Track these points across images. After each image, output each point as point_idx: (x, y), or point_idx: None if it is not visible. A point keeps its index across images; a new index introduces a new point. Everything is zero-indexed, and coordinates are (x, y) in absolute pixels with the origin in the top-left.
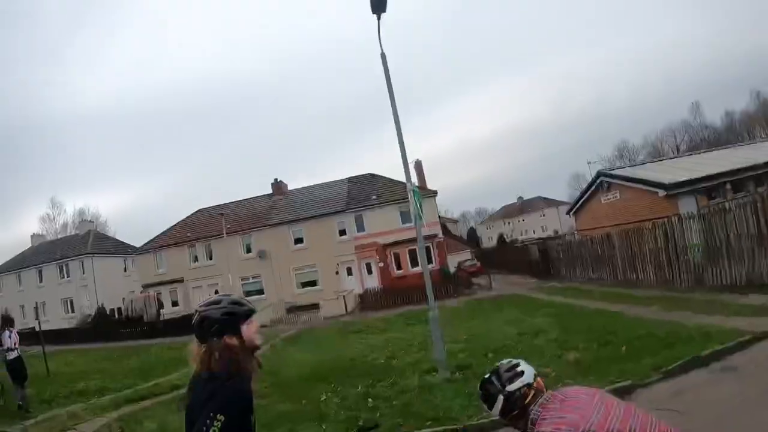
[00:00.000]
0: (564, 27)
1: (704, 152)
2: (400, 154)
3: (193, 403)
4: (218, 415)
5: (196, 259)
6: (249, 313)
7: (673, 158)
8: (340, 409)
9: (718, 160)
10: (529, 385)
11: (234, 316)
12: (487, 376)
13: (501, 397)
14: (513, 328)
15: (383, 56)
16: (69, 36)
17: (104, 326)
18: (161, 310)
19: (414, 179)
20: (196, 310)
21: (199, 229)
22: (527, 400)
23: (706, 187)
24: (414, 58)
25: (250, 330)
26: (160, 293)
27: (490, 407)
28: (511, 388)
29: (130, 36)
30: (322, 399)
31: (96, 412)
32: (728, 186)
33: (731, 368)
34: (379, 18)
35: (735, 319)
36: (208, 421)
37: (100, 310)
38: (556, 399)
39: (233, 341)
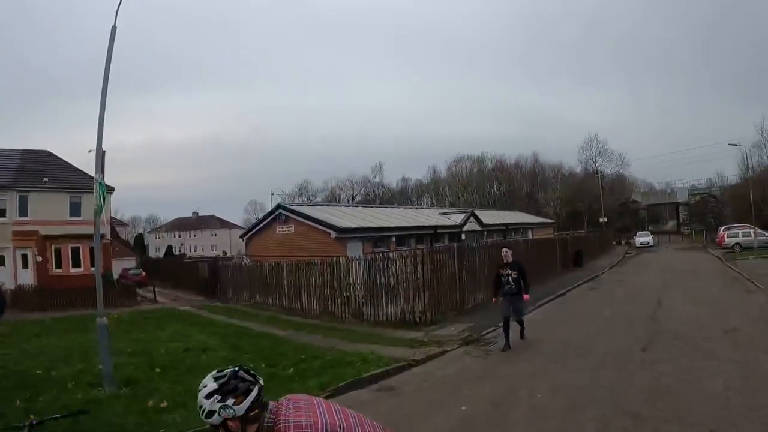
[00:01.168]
0: (283, 63)
1: (377, 207)
2: (96, 139)
3: None
4: None
5: None
6: None
7: (348, 206)
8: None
9: (388, 216)
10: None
11: None
12: (210, 389)
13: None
14: (180, 343)
15: (113, 30)
16: None
17: None
18: None
19: (92, 169)
20: None
21: None
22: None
23: (374, 236)
24: (127, 38)
25: None
26: None
27: (208, 417)
28: (244, 404)
29: None
30: None
31: None
32: (393, 239)
33: (389, 388)
34: None
35: (390, 348)
36: None
37: None
38: (284, 405)
39: None
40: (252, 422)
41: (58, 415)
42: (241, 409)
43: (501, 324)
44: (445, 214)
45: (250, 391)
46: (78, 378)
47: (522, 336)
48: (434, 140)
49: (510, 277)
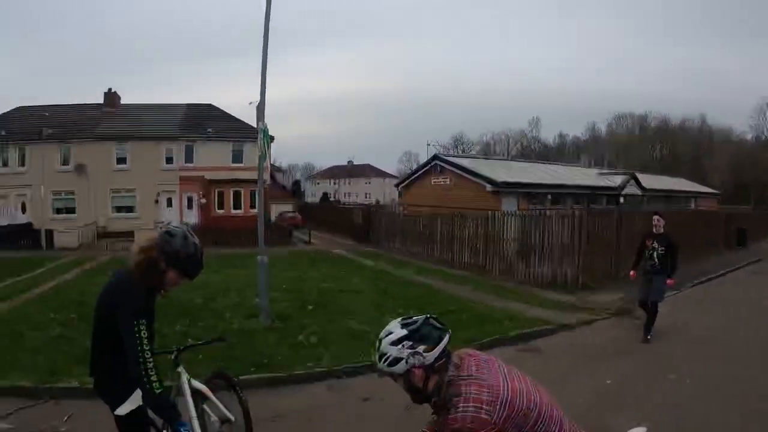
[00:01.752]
0: (438, 14)
1: (534, 162)
2: (260, 89)
3: (103, 294)
4: (140, 320)
5: (5, 163)
6: (187, 275)
7: (505, 160)
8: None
9: (545, 173)
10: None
11: (179, 261)
12: (399, 335)
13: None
14: (332, 284)
15: None
16: None
17: None
18: None
19: (253, 120)
20: (178, 226)
21: (15, 129)
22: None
23: (529, 192)
24: None
25: (172, 278)
26: None
27: (391, 365)
28: (435, 353)
29: None
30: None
31: None
32: (549, 196)
33: (534, 349)
34: None
35: (538, 309)
36: (135, 330)
37: None
38: (466, 360)
39: (162, 265)
40: (436, 373)
41: (200, 342)
42: (431, 357)
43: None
44: (603, 174)
45: (441, 339)
46: (235, 310)
47: (648, 332)
48: (594, 96)
49: (656, 252)
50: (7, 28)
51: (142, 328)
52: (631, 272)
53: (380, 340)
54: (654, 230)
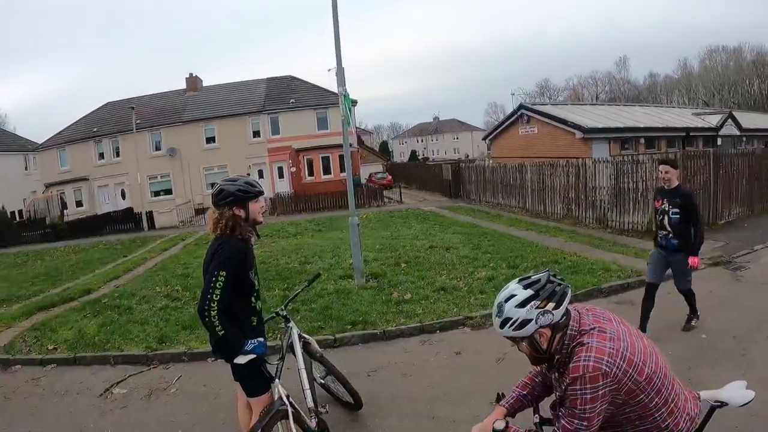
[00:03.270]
0: None
1: (623, 105)
2: (335, 56)
3: (206, 259)
4: (220, 271)
5: (102, 156)
6: (258, 194)
7: (593, 104)
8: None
9: (636, 116)
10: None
11: (245, 193)
12: (525, 296)
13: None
14: (424, 241)
15: None
16: None
17: (4, 230)
18: (65, 211)
19: (334, 86)
20: (217, 183)
21: (107, 124)
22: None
23: (620, 137)
24: None
25: (255, 207)
26: (64, 193)
27: (519, 328)
28: (562, 309)
29: None
30: None
31: (6, 323)
32: (641, 140)
33: (629, 301)
34: None
35: (633, 259)
36: (213, 277)
37: (0, 213)
38: (583, 314)
39: (240, 212)
40: (561, 329)
41: (299, 289)
42: (559, 314)
43: (741, 253)
44: (698, 114)
45: (565, 294)
46: (330, 271)
47: (689, 322)
48: (684, 30)
49: (666, 217)
50: (86, 29)
51: (220, 279)
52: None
53: (501, 304)
54: (664, 185)
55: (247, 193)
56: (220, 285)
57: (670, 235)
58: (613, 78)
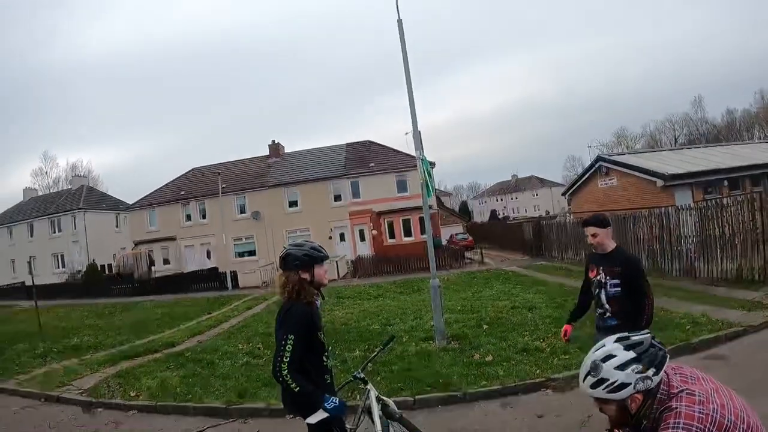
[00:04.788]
0: (579, 9)
1: (703, 147)
2: (411, 121)
3: (277, 320)
4: (288, 335)
5: (189, 217)
6: (323, 259)
7: (672, 150)
8: (340, 372)
9: (717, 156)
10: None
11: (311, 258)
12: (626, 358)
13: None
14: (506, 301)
15: (400, 23)
16: None
17: (95, 282)
18: (152, 268)
19: (411, 149)
20: (284, 248)
21: (194, 188)
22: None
23: (703, 181)
24: (422, 25)
25: (320, 271)
26: (152, 251)
27: (615, 390)
28: (660, 374)
29: None
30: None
31: (92, 368)
32: (725, 182)
33: (720, 357)
34: None
35: (724, 310)
36: (282, 341)
37: (91, 266)
38: (670, 374)
39: (306, 276)
40: (654, 395)
41: (375, 352)
42: (657, 380)
43: None
44: None
45: (665, 359)
46: (411, 333)
47: None
48: (760, 59)
49: (603, 291)
50: (174, 98)
51: (289, 342)
52: (564, 329)
53: (597, 363)
54: (594, 249)
55: (313, 257)
56: (289, 348)
57: (608, 313)
58: (690, 119)
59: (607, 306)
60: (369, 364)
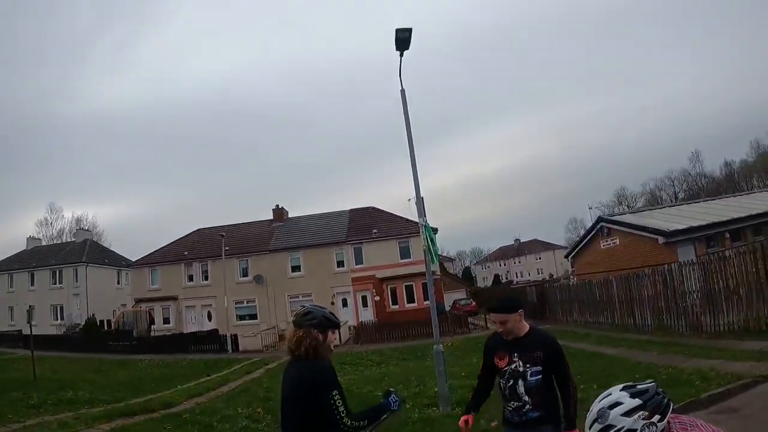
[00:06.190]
0: (571, 74)
1: (703, 201)
2: (414, 188)
3: (287, 381)
4: (332, 392)
5: (191, 278)
6: (337, 326)
7: (672, 206)
8: None
9: (717, 210)
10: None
11: (329, 321)
12: (632, 405)
13: None
14: None
15: (403, 93)
16: (97, 35)
17: (93, 337)
18: (152, 326)
19: (414, 215)
20: (303, 306)
21: (197, 249)
22: None
23: (705, 235)
24: (419, 93)
25: (332, 337)
26: (152, 309)
27: None
28: (665, 422)
29: (150, 46)
30: None
31: (87, 423)
32: (726, 235)
33: (731, 409)
34: (401, 55)
35: (733, 363)
36: (331, 401)
37: (90, 320)
38: (670, 423)
39: (319, 336)
40: None
41: (376, 422)
42: (662, 427)
43: None
44: None
45: (669, 407)
46: (415, 399)
47: None
48: (752, 109)
49: (522, 382)
50: (178, 158)
51: (337, 398)
52: (462, 418)
53: (604, 411)
54: (504, 336)
55: (331, 321)
56: (340, 403)
57: (527, 406)
58: (688, 174)
59: (526, 398)
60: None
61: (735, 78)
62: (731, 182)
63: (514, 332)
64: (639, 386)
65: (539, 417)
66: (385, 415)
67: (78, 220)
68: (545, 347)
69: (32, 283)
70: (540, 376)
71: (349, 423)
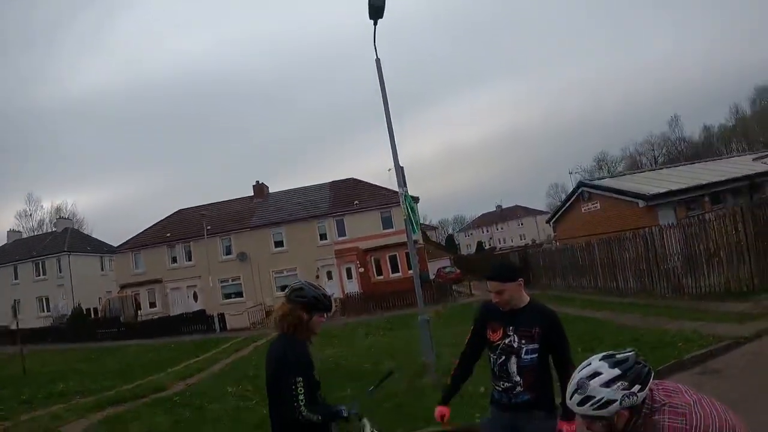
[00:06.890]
0: (555, 38)
1: (682, 165)
2: (392, 159)
3: (270, 358)
4: (296, 378)
5: (174, 260)
6: (327, 310)
7: (652, 170)
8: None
9: (696, 174)
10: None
11: (318, 303)
12: (612, 375)
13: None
14: None
15: (378, 62)
16: (68, 19)
17: (80, 326)
18: (139, 311)
19: (394, 185)
20: (300, 281)
21: (179, 230)
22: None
23: (685, 199)
24: (398, 58)
25: (318, 320)
26: (138, 294)
27: (601, 408)
28: (645, 391)
29: (124, 28)
30: None
31: (79, 414)
32: (706, 198)
33: (714, 370)
34: (375, 24)
35: (715, 325)
36: (292, 386)
37: (77, 310)
38: (654, 389)
39: (304, 316)
40: (639, 411)
41: (373, 386)
42: (642, 396)
43: None
44: (760, 158)
45: (650, 376)
46: (402, 369)
47: None
48: (732, 74)
49: (514, 358)
50: (157, 141)
51: (299, 385)
52: (438, 409)
53: (583, 381)
54: (501, 308)
55: (321, 304)
56: (301, 390)
57: (519, 387)
58: (668, 139)
59: (517, 378)
60: (368, 395)
61: (715, 42)
62: (710, 146)
63: (511, 303)
64: (618, 356)
65: (530, 400)
66: (335, 422)
67: (57, 209)
68: (545, 323)
69: (15, 277)
70: (536, 355)
71: (305, 413)
